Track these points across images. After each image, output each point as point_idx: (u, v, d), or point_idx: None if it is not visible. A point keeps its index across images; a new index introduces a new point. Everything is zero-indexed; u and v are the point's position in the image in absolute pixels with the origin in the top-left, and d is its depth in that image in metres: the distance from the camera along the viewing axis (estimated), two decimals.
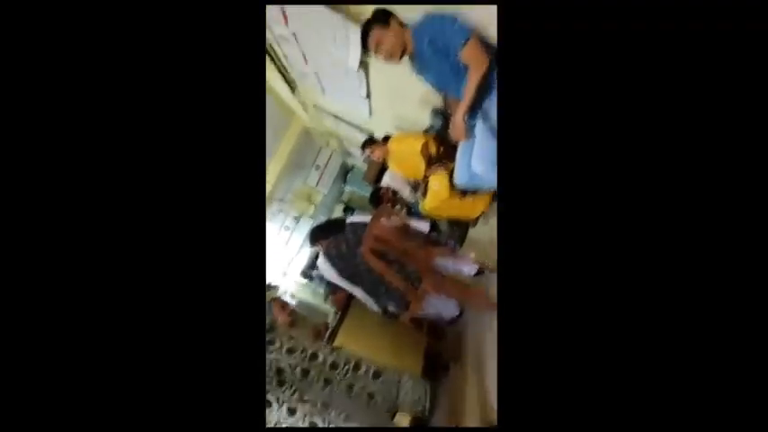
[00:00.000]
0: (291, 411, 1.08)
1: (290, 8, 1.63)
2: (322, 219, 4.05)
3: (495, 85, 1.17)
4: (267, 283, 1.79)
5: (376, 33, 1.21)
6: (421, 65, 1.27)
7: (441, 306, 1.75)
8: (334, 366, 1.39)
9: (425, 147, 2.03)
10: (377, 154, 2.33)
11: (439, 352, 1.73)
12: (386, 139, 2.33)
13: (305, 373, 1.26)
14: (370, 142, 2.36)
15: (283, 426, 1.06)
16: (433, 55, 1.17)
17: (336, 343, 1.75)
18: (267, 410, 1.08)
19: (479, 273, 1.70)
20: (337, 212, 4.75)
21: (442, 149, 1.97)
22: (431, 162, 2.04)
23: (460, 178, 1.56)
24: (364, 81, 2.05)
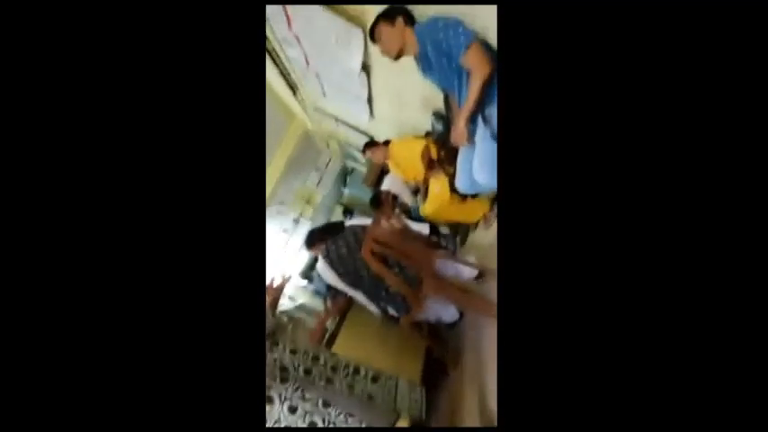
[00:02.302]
0: (292, 409, 1.08)
1: (293, 10, 1.63)
2: (321, 221, 4.05)
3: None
4: (270, 280, 1.79)
5: (380, 28, 1.24)
6: (425, 66, 1.27)
7: (440, 310, 1.74)
8: (334, 369, 1.41)
9: (426, 150, 2.04)
10: (377, 156, 2.33)
11: (438, 356, 1.73)
12: (387, 142, 2.34)
13: (307, 372, 1.27)
14: (370, 145, 2.37)
15: (283, 423, 1.06)
16: (436, 57, 1.17)
17: (335, 348, 1.74)
18: (269, 407, 1.09)
19: (479, 276, 1.70)
20: (336, 215, 4.74)
21: (442, 153, 1.98)
22: (431, 166, 2.04)
23: (462, 184, 1.56)
24: (366, 84, 2.06)
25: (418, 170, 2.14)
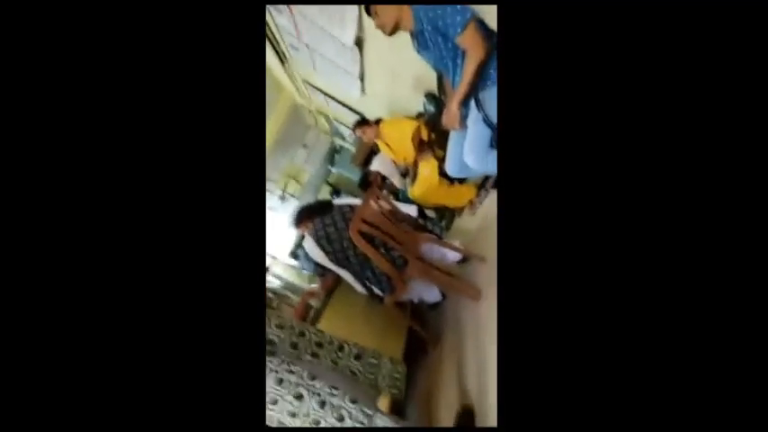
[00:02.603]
0: (279, 381, 1.11)
1: None
2: (308, 200, 4.00)
3: (494, 75, 1.16)
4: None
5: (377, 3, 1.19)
6: (421, 43, 1.24)
7: (424, 291, 1.78)
8: (319, 345, 1.44)
9: (417, 132, 2.02)
10: (368, 135, 2.30)
11: (420, 335, 1.78)
12: (377, 121, 2.30)
13: (293, 346, 1.30)
14: (361, 123, 2.33)
15: (270, 395, 1.09)
16: (432, 35, 1.14)
17: (321, 325, 1.77)
18: None
19: (463, 260, 1.74)
20: (323, 194, 4.69)
21: (433, 136, 1.96)
22: (422, 148, 2.03)
23: (451, 168, 1.56)
24: (358, 59, 2.00)
25: (408, 151, 2.12)
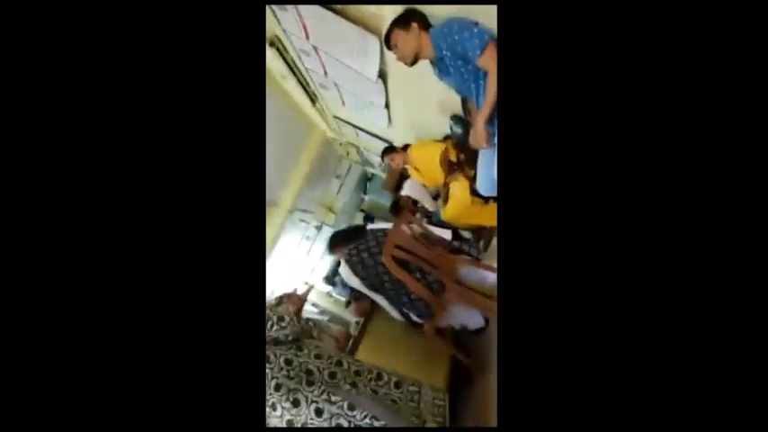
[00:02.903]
0: (318, 412, 1.10)
1: (309, 21, 1.67)
2: (342, 227, 4.09)
3: None
4: (294, 290, 1.83)
5: (395, 34, 1.25)
6: (442, 69, 1.27)
7: (465, 316, 1.71)
8: (358, 374, 1.41)
9: (445, 153, 2.02)
10: (396, 161, 2.34)
11: (463, 363, 1.69)
12: (405, 146, 2.34)
13: (332, 376, 1.28)
14: (389, 150, 2.38)
15: (310, 426, 1.08)
16: (452, 60, 1.17)
17: (359, 355, 1.74)
18: (296, 410, 1.11)
19: None
20: (357, 221, 4.78)
21: (462, 156, 1.95)
22: (451, 169, 2.02)
23: (483, 186, 1.53)
24: (383, 91, 2.08)
25: (438, 174, 2.12)
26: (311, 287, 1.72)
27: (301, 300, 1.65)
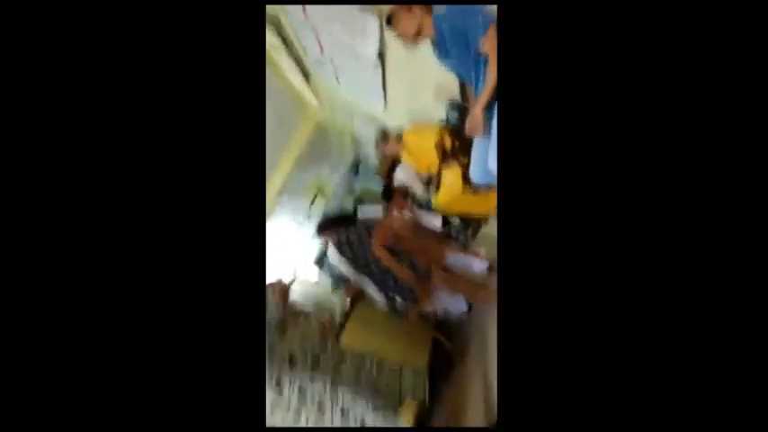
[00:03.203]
0: (302, 390, 1.12)
1: None
2: (333, 211, 4.06)
3: None
4: (278, 280, 1.84)
5: (397, 11, 1.21)
6: (442, 51, 1.24)
7: (449, 301, 1.74)
8: (340, 358, 1.45)
9: (440, 139, 2.01)
10: (391, 146, 2.31)
11: (445, 347, 1.73)
12: (400, 132, 2.31)
13: (315, 359, 1.32)
14: (384, 134, 2.35)
15: (293, 404, 1.10)
16: (454, 42, 1.14)
17: (343, 339, 1.76)
18: (279, 390, 1.12)
19: (491, 269, 1.69)
20: (348, 204, 4.75)
21: (456, 143, 1.95)
22: (445, 155, 2.01)
23: (476, 175, 1.53)
24: (380, 72, 2.03)
25: (431, 159, 2.11)
26: (293, 281, 1.76)
27: (283, 291, 1.68)
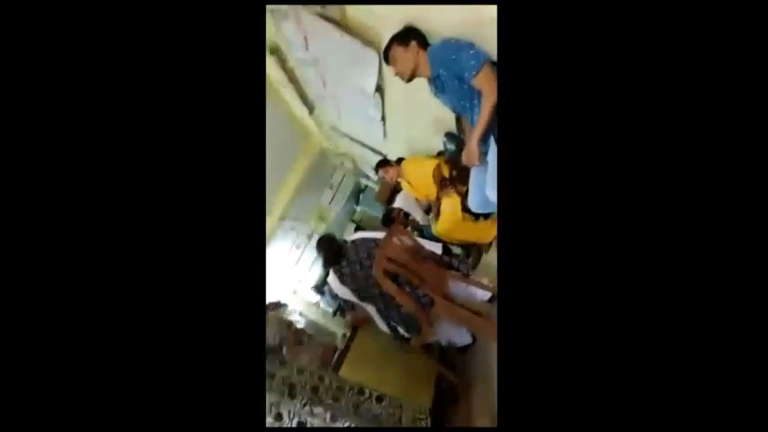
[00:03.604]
0: (301, 425, 1.10)
1: (310, 33, 1.70)
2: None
3: None
4: (277, 301, 1.82)
5: (394, 50, 1.27)
6: (438, 87, 1.30)
7: (452, 332, 1.70)
8: (340, 389, 1.41)
9: (438, 169, 2.04)
10: (390, 174, 2.36)
11: (449, 381, 1.67)
12: (399, 160, 2.36)
13: (314, 389, 1.30)
14: (384, 163, 2.40)
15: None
16: (448, 79, 1.19)
17: (344, 371, 1.71)
18: (278, 423, 1.13)
19: (493, 299, 1.66)
20: (349, 231, 4.76)
21: (454, 172, 1.98)
22: (443, 184, 2.04)
23: (475, 203, 1.54)
24: (380, 105, 2.10)
25: (430, 188, 2.14)
26: (284, 306, 1.75)
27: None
